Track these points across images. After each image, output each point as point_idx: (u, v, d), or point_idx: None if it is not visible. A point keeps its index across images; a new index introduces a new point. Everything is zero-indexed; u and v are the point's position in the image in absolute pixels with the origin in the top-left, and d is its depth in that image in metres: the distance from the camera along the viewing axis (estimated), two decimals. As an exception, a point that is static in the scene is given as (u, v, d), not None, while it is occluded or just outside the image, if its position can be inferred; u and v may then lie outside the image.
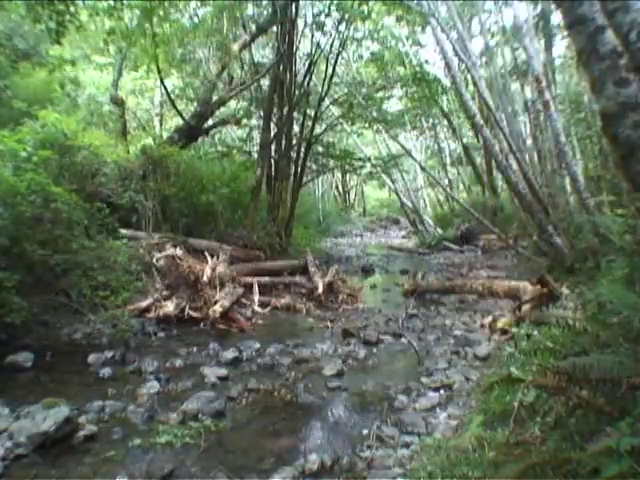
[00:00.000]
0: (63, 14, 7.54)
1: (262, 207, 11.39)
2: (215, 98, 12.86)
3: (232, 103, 14.13)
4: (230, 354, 5.07)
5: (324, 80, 12.19)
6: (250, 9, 12.15)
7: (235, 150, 14.73)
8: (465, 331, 6.08)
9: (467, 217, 15.68)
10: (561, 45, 14.39)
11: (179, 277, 6.75)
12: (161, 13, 10.41)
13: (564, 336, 2.21)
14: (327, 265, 10.07)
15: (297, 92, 11.58)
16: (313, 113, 12.56)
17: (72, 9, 7.76)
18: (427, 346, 5.50)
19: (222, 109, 13.89)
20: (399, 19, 12.00)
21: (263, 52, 14.35)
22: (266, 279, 8.28)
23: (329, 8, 11.21)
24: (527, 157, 11.18)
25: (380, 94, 13.65)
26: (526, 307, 5.76)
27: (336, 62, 12.66)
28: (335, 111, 14.92)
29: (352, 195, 35.77)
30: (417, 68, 13.12)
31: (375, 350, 5.39)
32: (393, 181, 19.64)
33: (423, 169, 18.90)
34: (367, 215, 32.42)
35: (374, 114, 13.25)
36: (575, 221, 8.23)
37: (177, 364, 4.87)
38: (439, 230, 18.42)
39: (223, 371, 4.59)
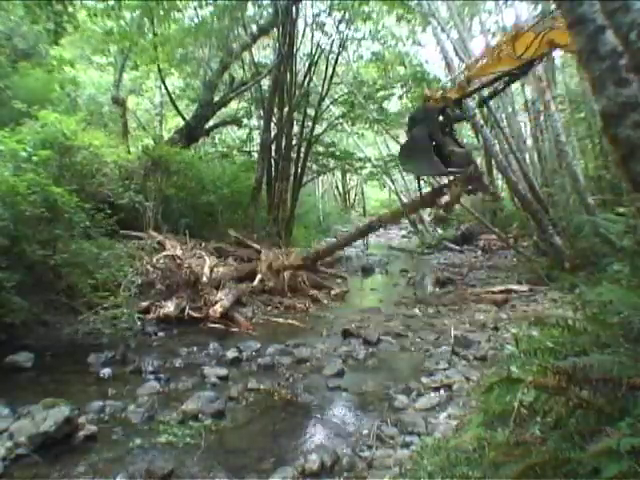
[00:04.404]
0: (61, 15, 7.53)
1: (262, 207, 11.39)
2: (216, 99, 12.87)
3: (233, 103, 14.13)
4: (230, 354, 5.08)
5: (324, 80, 12.19)
6: (250, 9, 12.15)
7: (235, 150, 14.75)
8: (465, 331, 6.07)
9: (467, 217, 15.66)
10: (561, 45, 14.36)
11: (179, 277, 6.76)
12: (161, 13, 10.41)
13: (564, 336, 2.21)
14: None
15: (297, 92, 11.59)
16: (313, 113, 12.57)
17: (70, 9, 7.75)
18: (427, 346, 5.50)
19: (223, 109, 13.90)
20: (399, 18, 11.98)
21: (264, 52, 14.36)
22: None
23: (330, 8, 11.23)
24: (527, 157, 11.18)
25: (381, 94, 13.65)
26: None
27: (336, 62, 12.67)
28: (335, 111, 14.92)
29: (352, 195, 35.74)
30: (417, 68, 13.11)
31: (375, 350, 5.39)
32: (393, 181, 19.63)
33: (423, 169, 18.85)
34: (367, 215, 32.36)
35: (374, 114, 13.25)
36: (575, 221, 8.23)
37: (177, 364, 4.87)
38: (439, 230, 18.40)
39: (223, 371, 4.60)
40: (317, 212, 21.77)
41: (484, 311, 7.08)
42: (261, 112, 12.64)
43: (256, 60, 12.74)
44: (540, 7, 11.99)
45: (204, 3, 11.53)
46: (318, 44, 11.94)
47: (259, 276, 7.89)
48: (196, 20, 12.08)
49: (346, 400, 4.07)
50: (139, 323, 5.88)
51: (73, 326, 5.58)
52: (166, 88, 12.69)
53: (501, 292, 7.91)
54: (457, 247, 15.54)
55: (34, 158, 5.83)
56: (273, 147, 11.69)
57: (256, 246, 9.04)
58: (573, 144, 11.63)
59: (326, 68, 12.36)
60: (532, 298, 7.48)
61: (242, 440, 3.36)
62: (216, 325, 6.22)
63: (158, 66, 11.67)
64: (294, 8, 10.97)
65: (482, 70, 6.61)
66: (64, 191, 5.60)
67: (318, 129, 13.58)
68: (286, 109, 11.34)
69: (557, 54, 6.74)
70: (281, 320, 6.81)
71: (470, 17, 14.79)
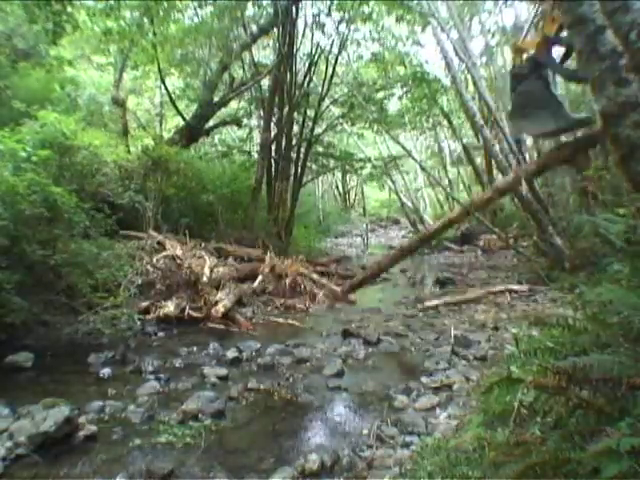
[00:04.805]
0: (60, 14, 7.50)
1: (262, 207, 11.40)
2: (216, 99, 12.87)
3: (233, 103, 14.14)
4: (230, 354, 5.07)
5: (324, 80, 12.18)
6: (250, 9, 12.15)
7: (235, 150, 14.75)
8: (465, 331, 6.07)
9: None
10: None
11: (179, 277, 6.77)
12: (161, 13, 10.40)
13: (564, 336, 2.21)
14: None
15: (297, 92, 11.59)
16: (313, 113, 12.57)
17: (69, 9, 7.72)
18: (427, 346, 5.50)
19: (223, 109, 13.91)
20: (399, 19, 11.98)
21: (264, 52, 14.35)
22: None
23: (329, 8, 11.23)
24: (527, 157, 11.16)
25: (381, 94, 13.66)
26: None
27: (336, 62, 12.66)
28: (335, 111, 14.92)
29: (352, 195, 35.75)
30: (417, 68, 13.12)
31: (375, 350, 5.39)
32: (393, 181, 19.65)
33: (423, 169, 18.88)
34: (367, 215, 32.37)
35: (374, 115, 13.26)
36: (575, 221, 8.22)
37: (177, 364, 4.87)
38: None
39: (223, 371, 4.60)
40: (317, 212, 21.78)
41: (484, 311, 7.08)
42: (261, 112, 12.64)
43: (256, 60, 12.73)
44: (540, 7, 11.99)
45: (204, 3, 11.53)
46: (318, 44, 11.95)
47: (260, 277, 7.95)
48: (196, 20, 12.09)
49: (346, 400, 4.07)
50: (139, 323, 5.89)
51: (73, 326, 5.58)
52: (166, 88, 12.68)
53: (501, 292, 7.91)
54: (457, 247, 15.54)
55: (34, 158, 5.83)
56: (273, 147, 11.68)
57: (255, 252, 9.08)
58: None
59: (326, 68, 12.35)
60: (532, 298, 7.49)
61: (242, 440, 3.36)
62: (216, 325, 6.22)
63: (158, 66, 11.66)
64: (294, 8, 10.97)
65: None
66: (64, 191, 5.61)
67: (318, 129, 13.57)
68: (286, 109, 11.34)
69: (557, 54, 6.59)
70: (281, 320, 6.82)
71: (470, 17, 14.80)
